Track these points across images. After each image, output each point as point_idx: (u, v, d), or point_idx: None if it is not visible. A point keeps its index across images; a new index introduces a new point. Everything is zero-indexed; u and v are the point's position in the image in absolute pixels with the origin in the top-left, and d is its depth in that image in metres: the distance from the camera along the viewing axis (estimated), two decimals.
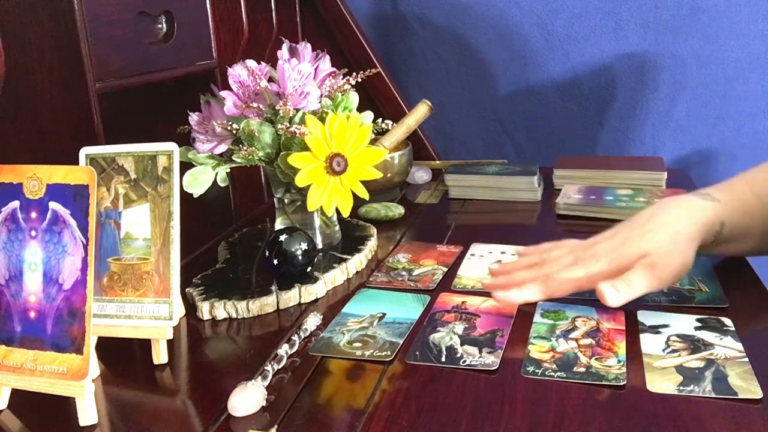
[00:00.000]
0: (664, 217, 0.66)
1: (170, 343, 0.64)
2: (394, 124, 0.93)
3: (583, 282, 0.65)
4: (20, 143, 0.73)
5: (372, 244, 0.87)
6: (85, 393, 0.54)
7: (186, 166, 0.76)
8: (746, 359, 0.57)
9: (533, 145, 1.41)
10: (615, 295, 0.62)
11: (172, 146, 0.64)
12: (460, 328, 0.66)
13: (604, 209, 0.96)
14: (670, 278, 0.63)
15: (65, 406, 0.55)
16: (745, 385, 0.54)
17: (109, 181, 0.64)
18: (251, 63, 0.78)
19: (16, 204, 0.57)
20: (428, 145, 1.29)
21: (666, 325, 0.64)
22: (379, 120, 0.81)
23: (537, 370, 0.58)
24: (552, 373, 0.57)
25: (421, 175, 1.20)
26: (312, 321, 0.68)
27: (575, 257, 0.67)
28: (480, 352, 0.61)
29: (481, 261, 0.82)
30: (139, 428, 0.54)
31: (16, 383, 0.56)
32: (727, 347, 0.59)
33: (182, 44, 0.86)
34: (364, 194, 0.78)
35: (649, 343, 0.61)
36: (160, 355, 0.63)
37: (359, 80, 0.81)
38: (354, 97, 0.82)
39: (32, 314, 0.56)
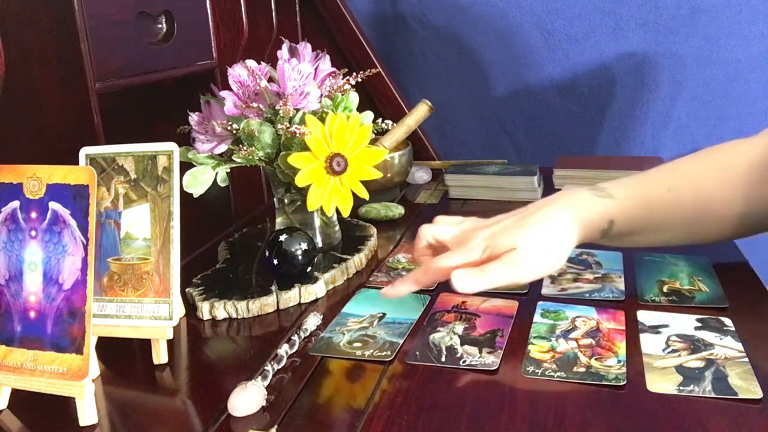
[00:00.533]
0: (548, 211, 0.66)
1: (170, 343, 0.64)
2: (394, 124, 0.93)
3: (457, 268, 0.64)
4: (20, 143, 0.73)
5: (372, 244, 0.87)
6: (85, 393, 0.54)
7: (186, 166, 0.76)
8: (746, 359, 0.57)
9: (533, 145, 1.41)
10: (465, 282, 0.62)
11: (172, 146, 0.64)
12: (460, 328, 0.66)
13: None
14: (533, 276, 0.64)
15: (65, 406, 0.55)
16: (745, 385, 0.54)
17: (109, 181, 0.64)
18: (251, 63, 0.78)
19: (16, 204, 0.57)
20: (428, 145, 1.29)
21: (666, 325, 0.64)
22: (379, 120, 0.81)
23: (537, 370, 0.58)
24: (552, 373, 0.57)
25: (421, 175, 1.20)
26: (312, 321, 0.68)
27: (458, 234, 0.68)
28: (480, 352, 0.61)
29: None
30: (139, 428, 0.54)
31: (16, 383, 0.56)
32: (727, 347, 0.59)
33: (182, 44, 0.86)
34: (364, 194, 0.78)
35: (649, 343, 0.61)
36: (160, 355, 0.63)
37: (359, 80, 0.81)
38: (354, 97, 0.82)
39: (32, 314, 0.56)
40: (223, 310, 0.71)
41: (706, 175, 0.70)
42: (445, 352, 0.61)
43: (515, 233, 0.64)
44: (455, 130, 1.44)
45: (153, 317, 0.62)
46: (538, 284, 0.74)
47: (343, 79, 0.81)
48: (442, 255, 0.66)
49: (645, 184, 0.70)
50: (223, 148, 0.78)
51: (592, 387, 0.55)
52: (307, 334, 0.66)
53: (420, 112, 1.06)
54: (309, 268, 0.77)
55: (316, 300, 0.75)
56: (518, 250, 0.63)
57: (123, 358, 0.65)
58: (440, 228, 0.70)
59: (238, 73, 0.77)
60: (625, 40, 1.29)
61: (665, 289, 0.72)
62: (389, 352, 0.62)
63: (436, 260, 0.65)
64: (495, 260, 0.63)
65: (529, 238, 0.63)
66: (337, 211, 0.78)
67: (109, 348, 0.64)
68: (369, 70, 0.82)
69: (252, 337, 0.68)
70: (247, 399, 0.54)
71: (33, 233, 0.56)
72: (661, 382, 0.55)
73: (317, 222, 0.86)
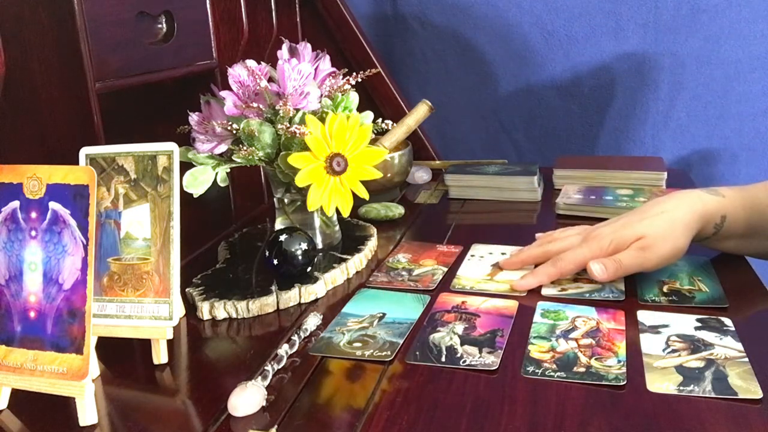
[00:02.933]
0: (665, 206, 0.72)
1: (170, 343, 0.64)
2: (394, 124, 0.93)
3: (587, 261, 0.72)
4: (20, 143, 0.73)
5: (372, 244, 0.87)
6: (85, 393, 0.54)
7: (186, 166, 0.76)
8: (746, 359, 0.57)
9: (533, 145, 1.41)
10: (602, 271, 0.70)
11: (172, 146, 0.64)
12: (460, 328, 0.66)
13: (604, 209, 0.96)
14: (660, 260, 0.70)
15: (65, 406, 0.55)
16: (745, 385, 0.54)
17: (109, 181, 0.64)
18: (251, 63, 0.78)
19: (16, 204, 0.57)
20: (428, 145, 1.29)
21: (666, 325, 0.64)
22: (379, 120, 0.81)
23: (537, 370, 0.58)
24: (552, 373, 0.57)
25: (421, 175, 1.20)
26: (312, 321, 0.68)
27: (582, 238, 0.75)
28: (480, 352, 0.61)
29: (481, 261, 0.82)
30: (139, 428, 0.54)
31: (16, 383, 0.56)
32: (727, 347, 0.59)
33: (182, 44, 0.86)
34: (364, 194, 0.78)
35: (649, 343, 0.61)
36: (160, 355, 0.63)
37: (359, 80, 0.81)
38: (354, 97, 0.82)
39: (32, 314, 0.56)
40: (223, 310, 0.71)
41: None
42: (445, 352, 0.61)
43: (640, 224, 0.71)
44: (455, 130, 1.44)
45: (153, 317, 0.62)
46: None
47: (343, 79, 0.81)
48: (570, 250, 0.73)
49: (752, 189, 0.75)
50: (223, 148, 0.78)
51: (592, 387, 0.55)
52: (307, 334, 0.66)
53: (420, 112, 1.06)
54: (309, 268, 0.77)
55: (316, 300, 0.75)
56: (644, 238, 0.70)
57: (123, 358, 0.65)
58: (565, 243, 0.75)
59: (238, 73, 0.77)
60: (625, 40, 1.29)
61: (665, 289, 0.72)
62: (389, 352, 0.62)
63: (567, 254, 0.73)
64: (623, 250, 0.70)
65: (655, 226, 0.70)
66: (337, 211, 0.78)
67: (109, 348, 0.64)
68: (369, 70, 0.82)
69: (252, 337, 0.68)
70: (247, 399, 0.54)
71: (33, 233, 0.56)
72: (661, 382, 0.55)
73: (317, 222, 0.86)
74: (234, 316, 0.71)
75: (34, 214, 0.56)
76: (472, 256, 0.84)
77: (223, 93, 0.77)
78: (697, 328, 0.63)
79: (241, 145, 0.76)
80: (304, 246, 0.76)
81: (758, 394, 0.52)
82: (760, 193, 0.74)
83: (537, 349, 0.61)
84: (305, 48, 0.80)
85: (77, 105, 0.70)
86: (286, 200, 0.85)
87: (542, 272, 0.73)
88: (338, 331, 0.67)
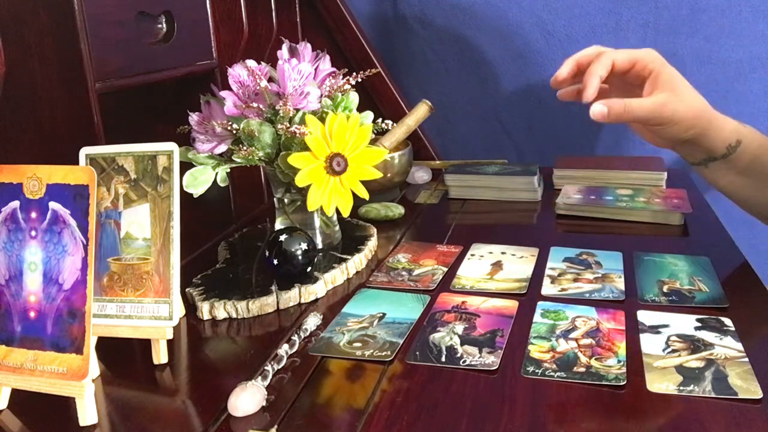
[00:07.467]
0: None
1: (170, 343, 0.64)
2: (394, 124, 0.93)
3: (632, 55, 0.75)
4: (20, 143, 0.73)
5: (372, 244, 0.87)
6: (85, 393, 0.54)
7: (186, 166, 0.76)
8: (746, 359, 0.57)
9: (533, 145, 1.41)
10: (601, 113, 0.70)
11: (172, 146, 0.64)
12: (460, 328, 0.66)
13: (604, 209, 0.96)
14: (674, 115, 0.71)
15: (65, 406, 0.55)
16: (745, 385, 0.54)
17: (109, 181, 0.65)
18: (251, 63, 0.78)
19: (16, 204, 0.57)
20: (428, 145, 1.29)
21: (666, 325, 0.64)
22: (379, 120, 0.81)
23: (537, 370, 0.58)
24: (552, 373, 0.57)
25: (421, 175, 1.20)
26: (312, 321, 0.68)
27: None
28: (480, 352, 0.61)
29: (481, 261, 0.82)
30: (139, 428, 0.54)
31: (16, 383, 0.56)
32: (727, 347, 0.59)
33: (182, 44, 0.86)
34: (364, 194, 0.78)
35: (649, 343, 0.61)
36: (160, 355, 0.63)
37: (359, 80, 0.81)
38: (354, 97, 0.82)
39: (32, 314, 0.56)
40: (223, 310, 0.71)
41: None
42: (445, 352, 0.61)
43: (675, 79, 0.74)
44: (455, 130, 1.44)
45: (153, 317, 0.62)
46: (538, 284, 0.74)
47: (343, 79, 0.81)
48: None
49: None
50: (223, 148, 0.78)
51: (592, 387, 0.55)
52: (307, 334, 0.66)
53: (420, 112, 1.06)
54: (309, 268, 0.77)
55: (316, 300, 0.75)
56: (666, 94, 0.71)
57: (123, 358, 0.65)
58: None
59: (238, 73, 0.77)
60: (626, 40, 1.28)
61: (665, 289, 0.72)
62: (389, 352, 0.62)
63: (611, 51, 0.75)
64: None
65: (684, 89, 0.73)
66: (337, 211, 0.78)
67: (109, 348, 0.64)
68: (369, 70, 0.82)
69: (252, 337, 0.68)
70: (247, 399, 0.54)
71: (33, 233, 0.56)
72: (661, 382, 0.55)
73: (317, 222, 0.86)
74: (234, 316, 0.71)
75: (34, 214, 0.56)
76: (472, 255, 0.84)
77: (223, 93, 0.77)
78: (697, 328, 0.63)
79: (241, 145, 0.76)
80: (304, 246, 0.76)
81: (758, 394, 0.52)
82: None
83: (537, 349, 0.61)
84: (305, 48, 0.80)
85: (77, 105, 0.70)
86: (286, 200, 0.85)
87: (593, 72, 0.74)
88: (338, 331, 0.67)
